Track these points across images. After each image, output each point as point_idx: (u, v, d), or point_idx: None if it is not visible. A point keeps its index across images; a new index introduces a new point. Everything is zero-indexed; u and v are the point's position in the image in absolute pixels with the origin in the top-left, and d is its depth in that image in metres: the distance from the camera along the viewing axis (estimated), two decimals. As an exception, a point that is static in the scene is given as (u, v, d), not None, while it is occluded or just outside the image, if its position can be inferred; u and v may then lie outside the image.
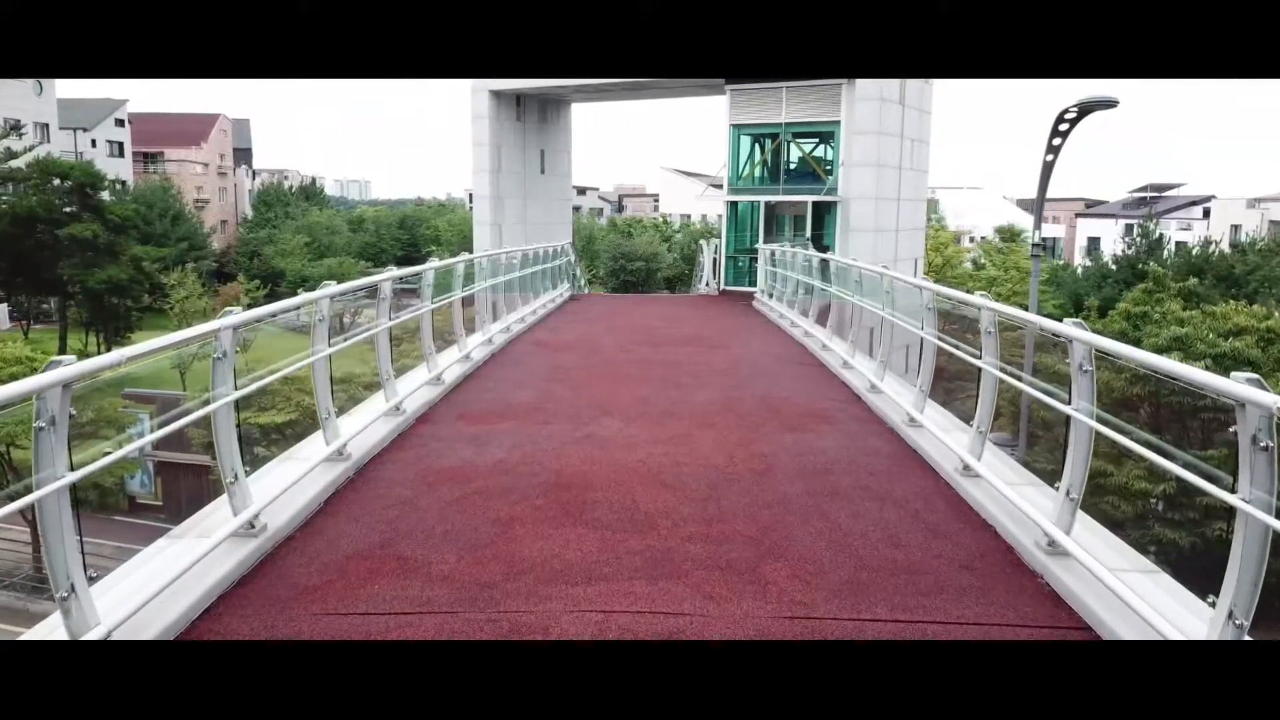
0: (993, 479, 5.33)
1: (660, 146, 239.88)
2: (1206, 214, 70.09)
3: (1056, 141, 14.81)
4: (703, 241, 22.13)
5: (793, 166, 22.82)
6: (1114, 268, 34.93)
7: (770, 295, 17.78)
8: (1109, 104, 13.75)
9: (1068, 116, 14.36)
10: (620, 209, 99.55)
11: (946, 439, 6.35)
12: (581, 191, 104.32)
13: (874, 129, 20.49)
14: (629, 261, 64.40)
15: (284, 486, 5.06)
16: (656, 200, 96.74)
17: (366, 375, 21.56)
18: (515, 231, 24.88)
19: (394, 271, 7.19)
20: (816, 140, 23.18)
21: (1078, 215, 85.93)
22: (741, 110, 22.44)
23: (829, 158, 22.61)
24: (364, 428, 6.54)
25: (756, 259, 20.77)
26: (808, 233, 21.71)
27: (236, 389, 4.49)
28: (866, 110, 20.42)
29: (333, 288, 5.82)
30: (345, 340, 6.75)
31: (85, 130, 59.98)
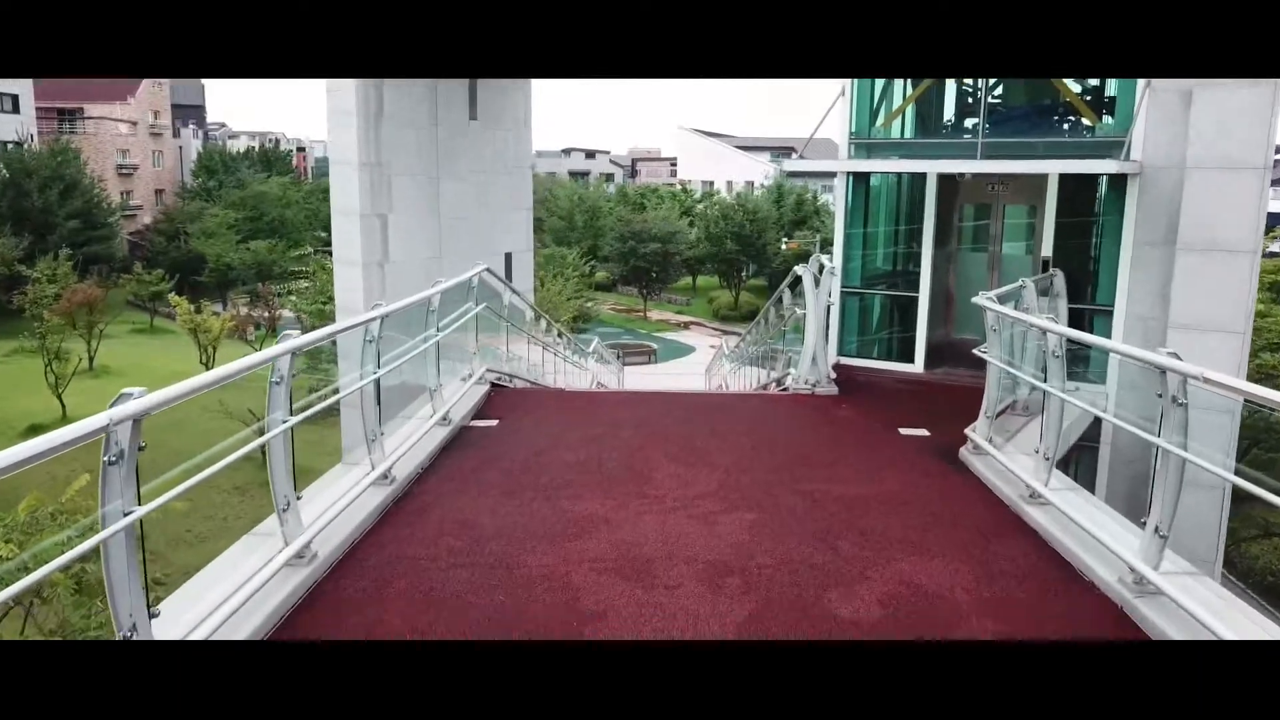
0: None
1: (686, 103, 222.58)
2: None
3: None
4: (799, 268, 9.54)
5: (998, 98, 10.40)
6: None
7: (1049, 458, 5.68)
8: None
9: None
10: (634, 174, 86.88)
11: None
12: (590, 155, 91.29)
13: None
14: (640, 243, 51.36)
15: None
16: (674, 164, 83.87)
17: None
18: (416, 233, 12.67)
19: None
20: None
21: None
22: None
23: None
24: None
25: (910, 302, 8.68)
26: (1043, 248, 9.45)
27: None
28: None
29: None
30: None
31: (-40, 79, 47.80)
